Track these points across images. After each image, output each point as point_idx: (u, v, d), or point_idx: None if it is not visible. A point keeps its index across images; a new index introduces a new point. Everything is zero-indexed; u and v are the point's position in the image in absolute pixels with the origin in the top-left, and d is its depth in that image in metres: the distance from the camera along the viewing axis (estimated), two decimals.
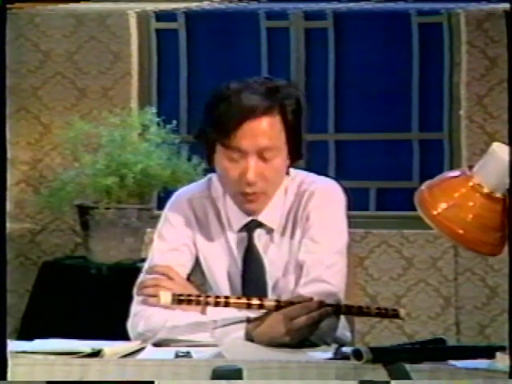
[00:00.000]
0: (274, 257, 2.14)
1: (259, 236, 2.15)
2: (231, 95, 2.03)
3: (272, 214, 2.14)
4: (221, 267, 2.16)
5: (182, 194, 2.23)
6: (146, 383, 1.57)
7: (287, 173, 2.16)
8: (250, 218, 2.14)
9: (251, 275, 2.13)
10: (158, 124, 3.85)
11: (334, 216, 2.15)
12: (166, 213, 2.21)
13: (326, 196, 2.15)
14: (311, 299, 1.92)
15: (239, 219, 2.14)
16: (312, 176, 2.20)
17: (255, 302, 1.93)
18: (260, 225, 2.14)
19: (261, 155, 2.04)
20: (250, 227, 2.14)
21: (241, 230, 2.15)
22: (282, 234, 2.15)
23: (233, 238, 2.16)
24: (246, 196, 2.07)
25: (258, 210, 2.13)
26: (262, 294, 2.05)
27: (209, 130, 2.06)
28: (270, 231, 2.15)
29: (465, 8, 3.50)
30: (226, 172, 2.07)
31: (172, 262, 2.12)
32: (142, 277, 2.13)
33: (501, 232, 1.65)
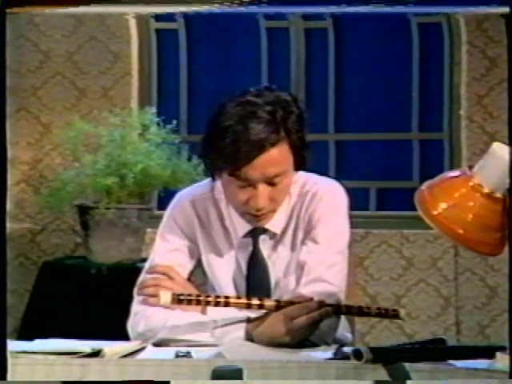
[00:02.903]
0: (277, 260, 2.14)
1: (264, 241, 2.15)
2: (236, 125, 1.97)
3: (277, 221, 2.13)
4: (225, 271, 2.16)
5: (184, 194, 2.23)
6: (162, 383, 1.57)
7: None
8: (254, 226, 2.14)
9: (256, 280, 2.13)
10: (158, 124, 3.85)
11: (336, 217, 2.15)
12: (169, 213, 2.20)
13: (329, 197, 2.15)
14: (311, 299, 1.92)
15: (244, 226, 2.13)
16: (314, 177, 2.20)
17: (255, 302, 1.93)
18: (265, 231, 2.14)
19: (269, 181, 2.03)
20: (254, 233, 2.14)
21: (245, 236, 2.15)
22: (285, 234, 2.15)
23: (237, 242, 2.15)
24: (255, 217, 2.07)
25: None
26: (267, 297, 2.05)
27: (215, 158, 2.03)
28: (274, 235, 2.15)
29: (464, 12, 3.51)
30: (234, 195, 2.05)
31: (173, 262, 2.12)
32: (142, 276, 2.13)
33: (501, 232, 1.65)
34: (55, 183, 3.86)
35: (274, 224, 2.13)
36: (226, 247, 2.16)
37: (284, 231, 2.15)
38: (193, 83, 4.59)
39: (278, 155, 2.01)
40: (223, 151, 1.98)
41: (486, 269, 4.28)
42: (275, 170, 2.01)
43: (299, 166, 2.09)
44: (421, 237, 4.30)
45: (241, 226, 2.14)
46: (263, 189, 2.02)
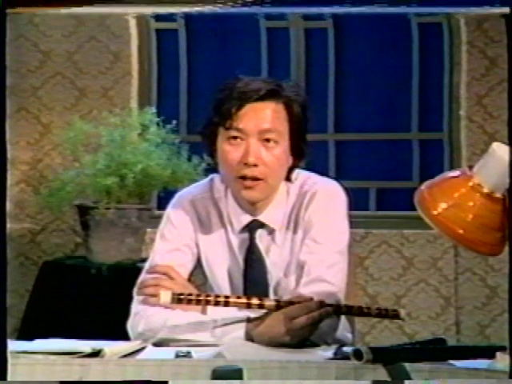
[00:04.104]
0: (275, 258, 2.14)
1: (261, 236, 2.15)
2: (237, 82, 2.07)
3: (273, 214, 2.14)
4: (222, 268, 2.17)
5: (184, 194, 2.23)
6: (160, 383, 1.57)
7: (289, 179, 2.16)
8: (251, 218, 2.14)
9: (253, 275, 2.14)
10: (158, 124, 3.85)
11: (336, 216, 2.15)
12: (169, 213, 2.21)
13: (328, 197, 2.16)
14: (311, 299, 1.92)
15: (240, 219, 2.14)
16: (314, 177, 2.20)
17: (255, 301, 1.93)
18: (262, 225, 2.15)
19: (262, 139, 2.04)
20: (251, 228, 2.14)
21: (242, 231, 2.15)
22: (284, 234, 2.15)
23: (234, 238, 2.16)
24: (246, 180, 2.07)
25: (259, 207, 2.13)
26: (264, 295, 2.06)
27: (212, 116, 2.08)
28: (271, 232, 2.15)
29: (464, 12, 3.51)
30: (227, 155, 2.07)
31: (173, 262, 2.12)
32: (142, 276, 2.14)
33: (501, 232, 1.65)
34: (55, 183, 3.86)
35: (270, 218, 2.13)
36: (224, 246, 2.17)
37: (283, 230, 2.15)
38: (193, 83, 4.59)
39: (273, 110, 2.06)
40: (219, 104, 2.05)
41: (486, 269, 4.28)
42: (268, 124, 2.04)
43: (296, 150, 2.10)
44: (421, 237, 4.30)
45: (238, 221, 2.14)
46: (254, 143, 2.04)
